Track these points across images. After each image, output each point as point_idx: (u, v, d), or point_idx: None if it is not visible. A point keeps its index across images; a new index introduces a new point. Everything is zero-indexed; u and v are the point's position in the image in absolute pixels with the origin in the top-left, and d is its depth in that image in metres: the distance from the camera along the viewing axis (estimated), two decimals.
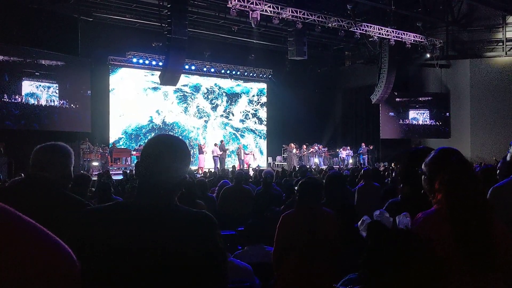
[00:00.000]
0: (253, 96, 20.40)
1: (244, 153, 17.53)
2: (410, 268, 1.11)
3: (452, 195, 1.48)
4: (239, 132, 19.64)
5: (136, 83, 17.33)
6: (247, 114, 20.21)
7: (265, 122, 20.79)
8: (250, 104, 20.36)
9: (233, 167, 13.53)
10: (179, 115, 18.35)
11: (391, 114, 18.87)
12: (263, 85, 20.93)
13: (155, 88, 17.71)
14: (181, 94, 18.39)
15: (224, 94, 19.61)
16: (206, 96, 19.14)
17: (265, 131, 20.67)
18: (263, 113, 20.84)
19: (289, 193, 4.04)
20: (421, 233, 1.39)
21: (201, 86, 19.08)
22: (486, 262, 1.42)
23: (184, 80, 17.75)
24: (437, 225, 1.44)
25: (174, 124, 18.22)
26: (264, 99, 20.71)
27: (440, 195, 1.51)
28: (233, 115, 19.87)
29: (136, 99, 17.22)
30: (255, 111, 20.52)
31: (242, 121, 20.09)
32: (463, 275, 1.43)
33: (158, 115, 17.80)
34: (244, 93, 20.16)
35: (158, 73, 13.51)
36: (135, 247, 1.22)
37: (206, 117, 18.99)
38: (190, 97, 18.66)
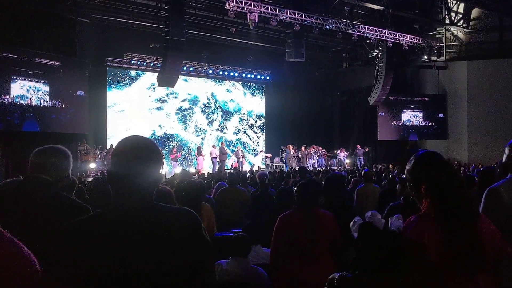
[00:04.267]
0: (244, 114, 20.95)
1: (243, 156, 17.57)
2: (400, 269, 1.13)
3: (439, 200, 1.49)
4: (231, 147, 19.92)
5: (141, 103, 17.83)
6: (238, 130, 20.82)
7: (253, 140, 21.22)
8: (240, 122, 20.84)
9: (235, 168, 13.59)
10: (179, 131, 18.96)
11: (387, 115, 18.96)
12: (253, 107, 21.26)
13: (159, 108, 18.29)
14: (182, 115, 19.00)
15: (219, 109, 20.16)
16: (203, 110, 19.61)
17: (252, 148, 21.07)
18: (252, 133, 21.26)
19: (281, 198, 3.85)
20: (413, 237, 1.42)
21: (199, 100, 19.46)
22: (476, 264, 1.44)
23: (183, 95, 18.78)
24: (427, 229, 1.45)
25: (175, 135, 18.61)
26: (251, 121, 21.26)
27: (428, 201, 1.52)
28: (227, 129, 20.39)
29: (141, 117, 17.77)
30: (244, 130, 21.01)
31: (235, 133, 20.71)
32: (454, 278, 1.45)
33: (161, 129, 18.35)
34: (235, 112, 20.69)
35: (160, 86, 13.83)
36: (123, 255, 1.21)
37: (203, 134, 19.52)
38: (189, 115, 19.17)
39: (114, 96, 17.19)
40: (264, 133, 21.38)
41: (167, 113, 18.55)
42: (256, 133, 21.35)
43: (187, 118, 19.14)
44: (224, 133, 20.23)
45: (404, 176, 1.61)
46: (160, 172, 1.39)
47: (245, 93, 20.89)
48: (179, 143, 18.26)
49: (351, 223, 1.38)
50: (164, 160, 15.54)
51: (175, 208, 1.39)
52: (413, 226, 1.47)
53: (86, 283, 1.19)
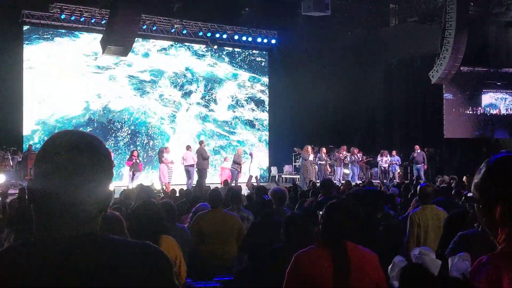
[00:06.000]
0: (244, 81, 21.12)
1: (241, 161, 17.04)
2: None
3: None
4: (227, 127, 19.77)
5: (66, 62, 17.79)
6: (238, 100, 20.73)
7: (267, 109, 21.30)
8: (241, 88, 20.97)
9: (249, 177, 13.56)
10: (132, 98, 18.79)
11: (459, 98, 18.99)
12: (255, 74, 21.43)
13: (98, 73, 18.23)
14: (137, 81, 19.01)
15: (201, 79, 20.22)
16: (174, 80, 19.65)
17: (259, 136, 21.19)
18: (264, 96, 21.37)
19: (290, 230, 3.93)
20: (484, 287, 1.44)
21: (165, 72, 19.53)
22: None
23: (140, 65, 18.72)
24: (507, 275, 1.45)
25: (124, 111, 18.54)
26: (259, 86, 21.27)
27: (506, 231, 1.53)
28: (215, 103, 20.24)
29: (65, 82, 17.63)
30: (250, 95, 21.00)
31: (232, 106, 20.62)
32: None
33: (99, 98, 18.14)
34: (229, 79, 20.82)
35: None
36: None
37: (174, 107, 19.56)
38: (150, 86, 19.23)
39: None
40: (267, 128, 21.46)
41: (111, 76, 18.38)
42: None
43: (146, 88, 19.10)
44: (211, 110, 20.23)
45: (470, 193, 1.62)
46: (109, 186, 1.40)
47: (235, 74, 21.01)
48: (132, 128, 18.24)
49: (390, 266, 1.39)
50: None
51: (131, 243, 1.40)
52: (486, 270, 1.47)
53: None
